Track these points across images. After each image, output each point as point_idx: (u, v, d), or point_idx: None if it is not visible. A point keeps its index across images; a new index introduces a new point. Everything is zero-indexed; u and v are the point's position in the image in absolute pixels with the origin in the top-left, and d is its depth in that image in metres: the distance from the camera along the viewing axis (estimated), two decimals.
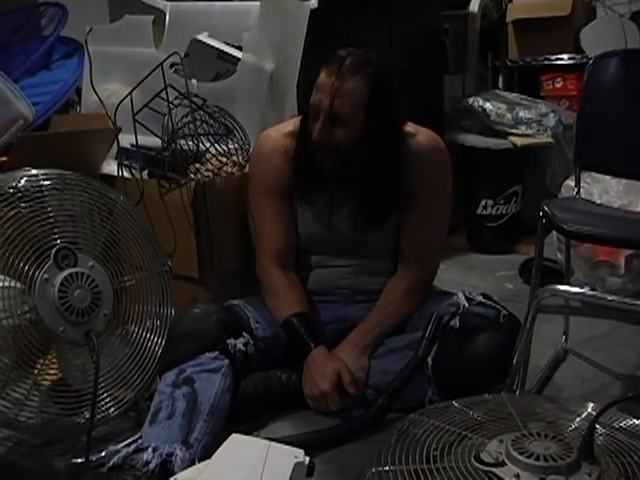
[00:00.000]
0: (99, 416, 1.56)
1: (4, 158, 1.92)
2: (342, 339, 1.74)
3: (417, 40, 3.04)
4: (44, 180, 1.58)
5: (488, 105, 2.91)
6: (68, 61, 2.62)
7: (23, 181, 1.58)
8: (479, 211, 2.98)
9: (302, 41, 2.27)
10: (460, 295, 1.68)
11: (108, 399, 1.58)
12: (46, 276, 1.48)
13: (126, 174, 2.01)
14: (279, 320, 1.70)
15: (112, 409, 1.58)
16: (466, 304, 1.65)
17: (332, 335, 1.79)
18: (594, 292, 1.40)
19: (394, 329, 1.73)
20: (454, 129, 3.03)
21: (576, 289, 1.44)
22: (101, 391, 1.55)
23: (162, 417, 1.45)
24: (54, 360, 1.57)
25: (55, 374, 1.58)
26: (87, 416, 1.51)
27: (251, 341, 1.63)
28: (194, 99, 2.01)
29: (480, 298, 1.67)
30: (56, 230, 1.52)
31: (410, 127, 1.76)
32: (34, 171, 1.60)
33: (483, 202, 2.96)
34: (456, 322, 1.62)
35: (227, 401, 1.54)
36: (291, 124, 1.82)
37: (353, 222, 1.76)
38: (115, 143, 2.07)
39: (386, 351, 1.69)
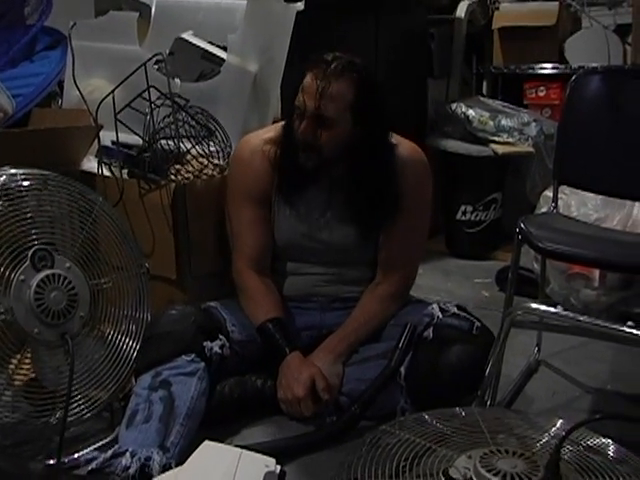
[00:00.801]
0: (72, 417, 1.56)
1: None
2: (317, 346, 1.75)
3: (403, 43, 3.05)
4: (23, 180, 1.57)
5: (471, 112, 2.93)
6: (51, 53, 2.59)
7: (2, 179, 1.57)
8: (458, 216, 3.01)
9: (287, 43, 2.28)
10: (435, 306, 1.70)
11: (82, 400, 1.57)
12: (22, 277, 1.48)
13: (106, 172, 2.00)
14: (255, 324, 1.71)
15: (85, 410, 1.58)
16: (440, 315, 1.67)
17: (307, 341, 1.80)
18: (566, 312, 1.41)
19: (369, 337, 1.74)
20: (436, 134, 3.05)
21: (549, 308, 1.45)
22: (75, 392, 1.55)
23: (139, 420, 1.45)
24: (27, 359, 1.57)
25: (28, 374, 1.57)
26: (59, 416, 1.51)
27: (227, 344, 1.64)
28: (177, 99, 2.01)
29: (454, 309, 1.69)
30: (34, 231, 1.52)
31: (393, 138, 1.76)
32: (14, 170, 1.59)
33: (463, 208, 2.99)
34: (430, 333, 1.64)
35: (203, 405, 1.55)
36: (272, 130, 1.82)
37: (335, 229, 1.77)
38: (96, 140, 2.07)
39: (360, 359, 1.71)
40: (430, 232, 3.13)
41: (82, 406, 1.57)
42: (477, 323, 1.65)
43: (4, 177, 1.57)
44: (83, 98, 2.15)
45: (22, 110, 2.29)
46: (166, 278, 1.93)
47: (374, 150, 1.70)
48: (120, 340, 1.60)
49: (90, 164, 2.09)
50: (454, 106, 2.98)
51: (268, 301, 1.74)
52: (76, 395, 1.56)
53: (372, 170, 1.70)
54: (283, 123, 1.81)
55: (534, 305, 1.45)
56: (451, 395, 1.53)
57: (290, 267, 1.83)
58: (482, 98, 3.16)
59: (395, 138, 1.78)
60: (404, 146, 1.78)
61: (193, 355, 1.56)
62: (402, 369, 1.61)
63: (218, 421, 1.61)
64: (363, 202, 1.73)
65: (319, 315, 1.83)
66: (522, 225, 1.51)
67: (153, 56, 1.88)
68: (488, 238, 3.01)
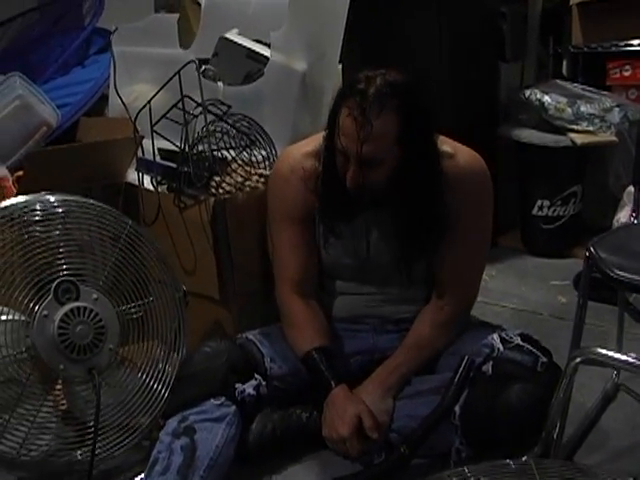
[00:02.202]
0: (104, 454, 1.49)
1: (20, 173, 1.85)
2: (369, 371, 1.61)
3: (470, 25, 2.82)
4: (57, 207, 1.49)
5: (547, 98, 2.69)
6: (101, 57, 2.54)
7: (37, 206, 1.49)
8: (534, 212, 2.78)
9: (341, 35, 2.10)
10: (495, 336, 1.53)
11: (113, 435, 1.50)
12: (45, 312, 1.41)
13: (148, 184, 1.91)
14: (298, 354, 1.59)
15: (115, 447, 1.50)
16: (501, 347, 1.50)
17: (358, 367, 1.66)
18: (635, 359, 1.21)
19: (423, 367, 1.59)
20: (510, 123, 2.82)
21: (616, 355, 1.26)
22: (106, 428, 1.48)
23: (157, 471, 1.38)
24: (58, 390, 1.51)
25: (59, 405, 1.51)
26: (86, 452, 1.45)
27: (263, 382, 1.53)
28: (219, 106, 1.89)
29: (517, 340, 1.51)
30: (59, 262, 1.45)
31: (448, 146, 1.58)
32: (49, 196, 1.52)
33: (539, 202, 2.76)
34: (489, 368, 1.47)
35: (230, 452, 1.45)
36: (313, 142, 1.67)
37: (387, 248, 1.62)
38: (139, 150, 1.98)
39: (412, 392, 1.56)
40: (503, 227, 2.93)
41: (112, 442, 1.49)
42: (542, 358, 1.47)
43: (39, 204, 1.50)
44: (125, 107, 2.08)
45: (69, 120, 2.25)
46: (210, 297, 1.84)
47: (426, 169, 1.53)
48: (152, 375, 1.51)
49: (134, 176, 2.02)
50: (528, 92, 2.74)
51: (313, 328, 1.61)
52: (107, 431, 1.48)
53: (421, 186, 1.53)
54: (324, 135, 1.66)
55: (602, 351, 1.26)
56: (511, 438, 1.37)
57: (340, 286, 1.69)
58: (560, 82, 2.89)
59: (451, 145, 1.59)
60: (462, 155, 1.60)
61: (223, 399, 1.46)
62: (457, 408, 1.45)
63: (258, 460, 1.51)
64: (411, 219, 1.57)
65: (371, 338, 1.69)
66: (592, 249, 1.31)
67: (187, 64, 1.77)
68: (567, 234, 2.77)
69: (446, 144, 1.58)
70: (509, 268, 2.70)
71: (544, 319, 2.28)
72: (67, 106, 2.28)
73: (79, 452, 1.48)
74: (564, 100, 2.67)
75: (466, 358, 1.45)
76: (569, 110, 2.65)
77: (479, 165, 1.61)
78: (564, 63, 3.14)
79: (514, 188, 2.84)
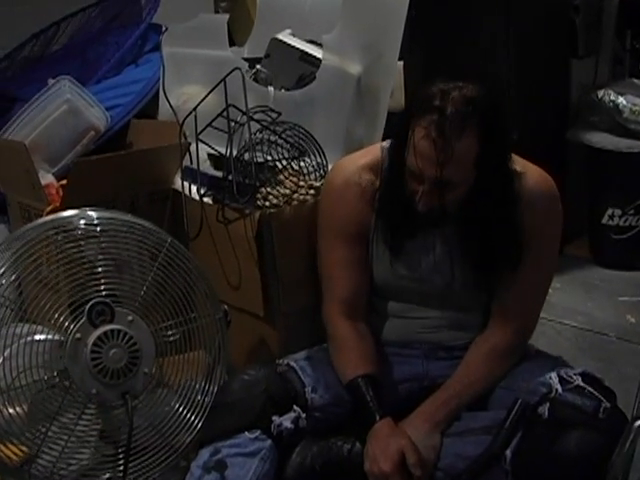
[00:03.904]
0: (138, 476, 1.45)
1: (64, 181, 1.82)
2: (417, 400, 1.51)
3: (540, 19, 2.67)
4: (97, 225, 1.44)
5: (621, 100, 2.52)
6: (153, 55, 2.47)
7: (81, 223, 1.44)
8: (604, 221, 2.63)
9: (400, 34, 1.97)
10: (554, 375, 1.40)
11: (146, 462, 1.45)
12: (78, 335, 1.36)
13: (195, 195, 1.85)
14: (343, 381, 1.50)
15: (150, 469, 1.45)
16: (560, 388, 1.38)
17: (406, 394, 1.57)
18: None
19: (474, 401, 1.48)
20: (580, 125, 2.67)
21: None
22: (138, 448, 1.44)
23: None
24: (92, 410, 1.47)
25: (92, 425, 1.47)
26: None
27: (303, 415, 1.44)
28: (268, 113, 1.81)
29: (579, 381, 1.38)
30: (94, 282, 1.39)
31: (517, 164, 1.47)
32: (90, 212, 1.46)
33: (610, 211, 2.61)
34: (545, 410, 1.35)
35: None
36: (369, 154, 1.58)
37: (445, 271, 1.52)
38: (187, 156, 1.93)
39: (462, 430, 1.45)
40: (571, 235, 2.78)
41: (146, 463, 1.44)
42: (605, 404, 1.34)
43: (83, 220, 1.45)
44: (174, 111, 2.03)
45: (119, 123, 2.21)
46: (254, 314, 1.77)
47: (499, 186, 1.43)
48: (187, 405, 1.45)
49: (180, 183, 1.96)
50: (601, 93, 2.58)
51: (360, 353, 1.52)
52: (138, 450, 1.44)
53: (491, 207, 1.43)
54: (382, 145, 1.57)
55: None
56: None
57: (392, 308, 1.60)
58: (637, 81, 2.71)
59: (520, 163, 1.48)
60: (531, 175, 1.48)
61: (258, 432, 1.39)
62: (508, 451, 1.35)
63: None
64: (480, 242, 1.47)
65: (421, 365, 1.59)
66: None
67: (232, 71, 1.69)
68: (639, 246, 2.61)
69: (515, 162, 1.47)
70: (575, 280, 2.56)
71: (610, 341, 2.14)
72: (118, 107, 2.24)
73: (109, 474, 1.44)
74: None
75: (519, 402, 1.34)
76: None
77: (549, 186, 1.50)
78: None
79: (583, 194, 2.69)
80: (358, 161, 1.57)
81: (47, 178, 1.86)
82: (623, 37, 2.96)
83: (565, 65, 2.81)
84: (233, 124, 1.69)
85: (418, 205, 1.40)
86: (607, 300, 2.40)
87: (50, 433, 1.41)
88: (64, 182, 1.81)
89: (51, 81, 2.02)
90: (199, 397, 1.46)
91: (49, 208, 1.75)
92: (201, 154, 1.85)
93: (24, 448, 1.41)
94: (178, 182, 1.96)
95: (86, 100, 2.03)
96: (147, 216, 1.55)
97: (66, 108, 1.97)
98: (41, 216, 1.72)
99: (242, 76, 1.67)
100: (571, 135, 2.64)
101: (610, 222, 2.61)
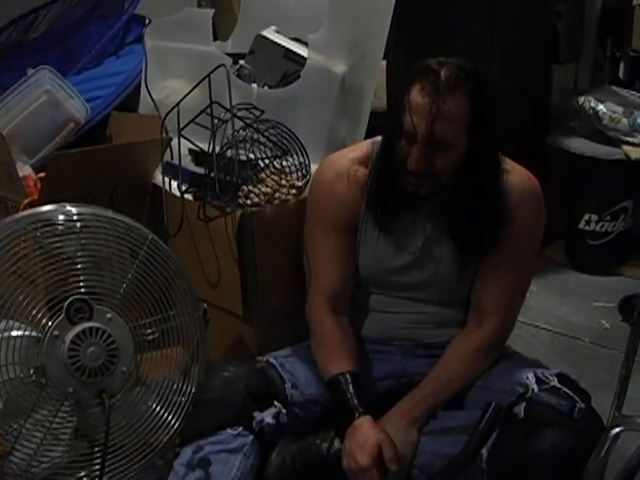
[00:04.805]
0: (113, 475, 1.43)
1: (42, 174, 1.79)
2: (396, 397, 1.52)
3: (523, 23, 2.68)
4: (77, 221, 1.41)
5: (601, 107, 2.54)
6: (135, 47, 2.44)
7: (60, 218, 1.41)
8: (581, 225, 2.66)
9: (385, 34, 1.97)
10: (531, 375, 1.42)
11: (123, 460, 1.44)
12: (56, 332, 1.34)
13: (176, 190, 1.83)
14: (324, 376, 1.50)
15: (126, 468, 1.44)
16: (536, 388, 1.39)
17: (385, 392, 1.57)
18: None
19: (451, 399, 1.49)
20: (560, 130, 2.69)
21: None
22: (116, 447, 1.42)
23: None
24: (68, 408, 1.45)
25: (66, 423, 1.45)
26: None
27: (283, 410, 1.44)
28: (251, 110, 1.80)
29: (555, 382, 1.40)
30: (73, 279, 1.37)
31: (505, 162, 1.51)
32: (70, 207, 1.43)
33: (586, 216, 2.63)
34: (521, 410, 1.37)
35: None
36: (358, 149, 1.60)
37: (432, 261, 1.54)
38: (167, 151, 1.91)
39: (439, 429, 1.46)
40: (548, 238, 2.81)
41: (122, 463, 1.43)
42: (580, 404, 1.36)
43: (62, 215, 1.42)
44: (155, 105, 2.00)
45: (99, 115, 2.17)
46: (233, 312, 1.76)
47: (484, 170, 1.46)
48: (165, 404, 1.44)
49: (160, 178, 1.94)
50: (582, 99, 2.60)
51: (343, 349, 1.52)
52: (115, 449, 1.42)
53: (479, 186, 1.46)
54: (373, 140, 1.58)
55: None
56: None
57: (374, 302, 1.60)
58: (616, 88, 2.74)
59: (508, 162, 1.52)
60: (517, 174, 1.52)
61: (240, 428, 1.39)
62: (484, 450, 1.36)
63: None
64: (466, 229, 1.49)
65: (400, 362, 1.59)
66: None
67: (216, 68, 1.67)
68: (614, 252, 2.65)
69: (503, 161, 1.51)
70: (551, 284, 2.58)
71: (584, 346, 2.17)
72: (98, 99, 2.20)
73: (84, 472, 1.42)
74: (620, 110, 2.53)
75: (493, 405, 1.35)
76: (625, 121, 2.51)
77: (533, 186, 1.53)
78: (621, 67, 2.98)
79: (561, 199, 2.71)
80: (349, 154, 1.60)
81: (25, 170, 1.83)
82: (604, 44, 3.00)
83: (546, 70, 2.83)
84: (216, 121, 1.67)
85: (410, 164, 1.42)
86: (582, 305, 2.43)
87: (24, 430, 1.39)
88: (42, 174, 1.78)
89: (30, 71, 1.99)
90: (176, 397, 1.44)
91: (27, 201, 1.72)
92: (182, 149, 1.84)
93: None
94: (158, 177, 1.94)
95: (66, 91, 2.00)
96: (126, 211, 1.53)
97: (45, 99, 1.94)
98: (18, 209, 1.70)
99: (227, 73, 1.65)
100: (551, 140, 2.66)
101: (587, 227, 2.64)
